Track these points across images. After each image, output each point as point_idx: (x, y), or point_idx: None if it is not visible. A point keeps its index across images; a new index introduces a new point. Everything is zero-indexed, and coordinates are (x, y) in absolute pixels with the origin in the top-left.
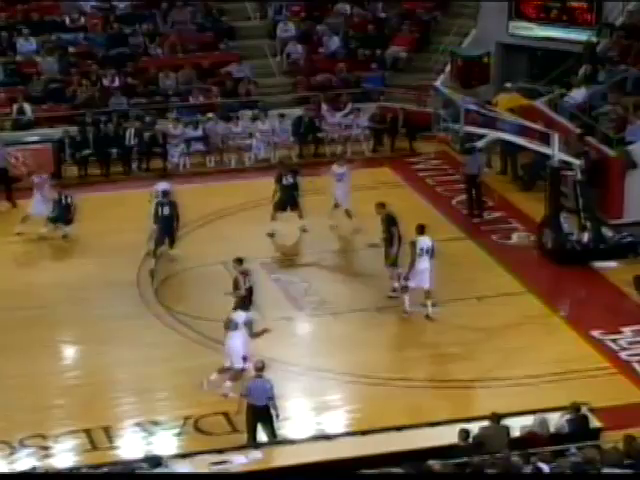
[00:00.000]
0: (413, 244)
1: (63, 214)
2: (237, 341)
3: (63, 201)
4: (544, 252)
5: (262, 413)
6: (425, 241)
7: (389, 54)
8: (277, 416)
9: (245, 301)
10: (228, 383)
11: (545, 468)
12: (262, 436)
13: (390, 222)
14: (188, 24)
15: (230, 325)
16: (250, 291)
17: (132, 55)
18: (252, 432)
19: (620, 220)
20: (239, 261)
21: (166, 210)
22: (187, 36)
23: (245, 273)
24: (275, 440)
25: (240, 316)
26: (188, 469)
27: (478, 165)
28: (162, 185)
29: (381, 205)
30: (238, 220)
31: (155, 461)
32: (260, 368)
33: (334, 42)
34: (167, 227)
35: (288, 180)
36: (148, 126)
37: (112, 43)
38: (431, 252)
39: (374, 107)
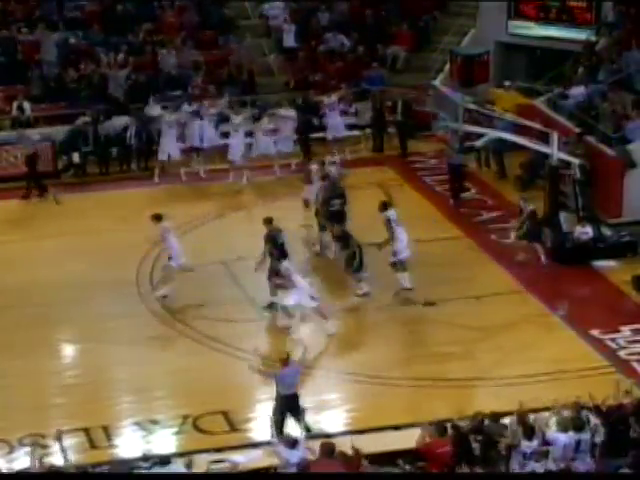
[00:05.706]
0: None
1: None
2: None
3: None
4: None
5: (292, 401)
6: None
7: (389, 53)
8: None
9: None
10: None
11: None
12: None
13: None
14: (189, 21)
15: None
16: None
17: (132, 52)
18: (280, 424)
19: (619, 219)
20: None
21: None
22: (188, 33)
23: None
24: (309, 433)
25: None
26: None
27: (462, 157)
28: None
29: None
30: (237, 219)
31: (165, 460)
32: (285, 359)
33: (334, 40)
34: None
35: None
36: (147, 125)
37: (112, 40)
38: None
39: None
